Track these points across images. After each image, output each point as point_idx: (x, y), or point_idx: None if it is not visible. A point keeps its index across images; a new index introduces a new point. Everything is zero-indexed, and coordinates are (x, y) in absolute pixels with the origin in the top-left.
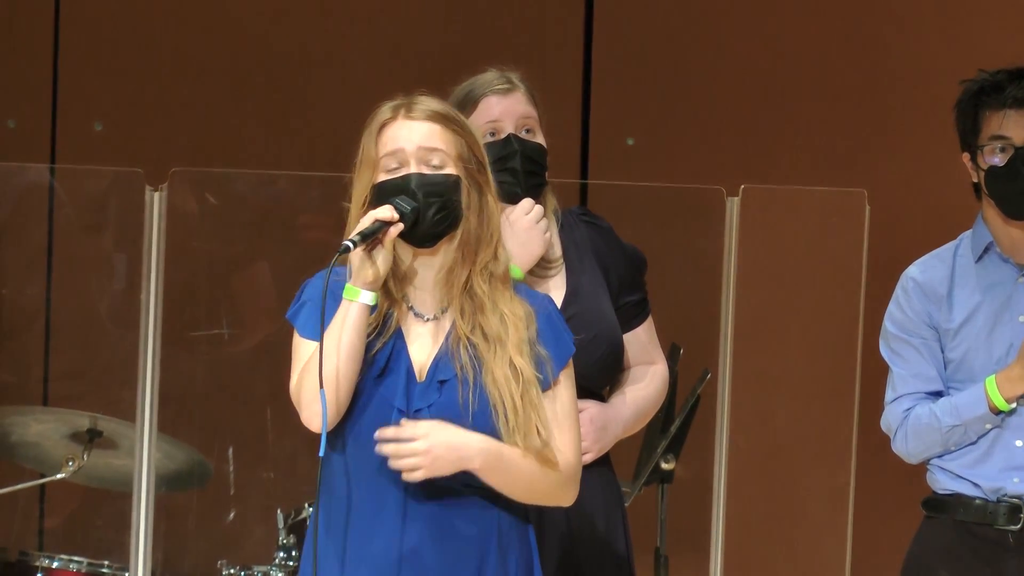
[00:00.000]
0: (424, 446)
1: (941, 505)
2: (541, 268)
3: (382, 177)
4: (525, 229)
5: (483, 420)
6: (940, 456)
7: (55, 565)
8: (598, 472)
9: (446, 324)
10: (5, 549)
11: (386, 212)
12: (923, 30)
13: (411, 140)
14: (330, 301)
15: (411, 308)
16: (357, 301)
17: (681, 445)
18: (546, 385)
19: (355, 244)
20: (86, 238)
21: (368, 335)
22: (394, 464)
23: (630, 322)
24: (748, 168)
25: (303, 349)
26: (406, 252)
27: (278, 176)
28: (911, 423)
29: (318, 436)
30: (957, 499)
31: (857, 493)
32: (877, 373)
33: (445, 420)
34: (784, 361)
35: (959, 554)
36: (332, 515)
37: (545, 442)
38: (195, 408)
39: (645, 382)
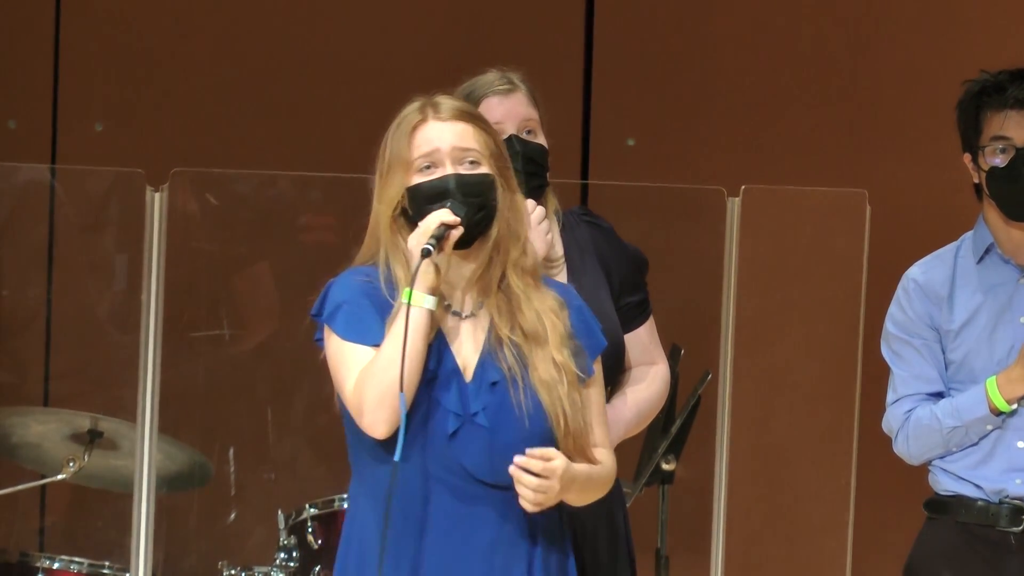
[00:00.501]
0: (558, 486)
1: (943, 507)
2: (543, 268)
3: (416, 178)
4: None
5: (538, 422)
6: (942, 457)
7: (56, 566)
8: None
9: (483, 321)
10: (6, 550)
11: (448, 216)
12: (923, 30)
13: (445, 140)
14: (366, 301)
15: (448, 306)
16: (423, 307)
17: (682, 446)
18: (582, 381)
19: (433, 248)
20: (87, 238)
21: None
22: (527, 495)
23: (631, 322)
24: (749, 168)
25: (349, 352)
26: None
27: (279, 177)
28: (912, 424)
29: (318, 437)
30: (959, 501)
31: (858, 494)
32: (878, 374)
33: (501, 422)
34: (785, 362)
35: (961, 556)
36: (383, 520)
37: (594, 442)
38: (196, 409)
39: (646, 383)
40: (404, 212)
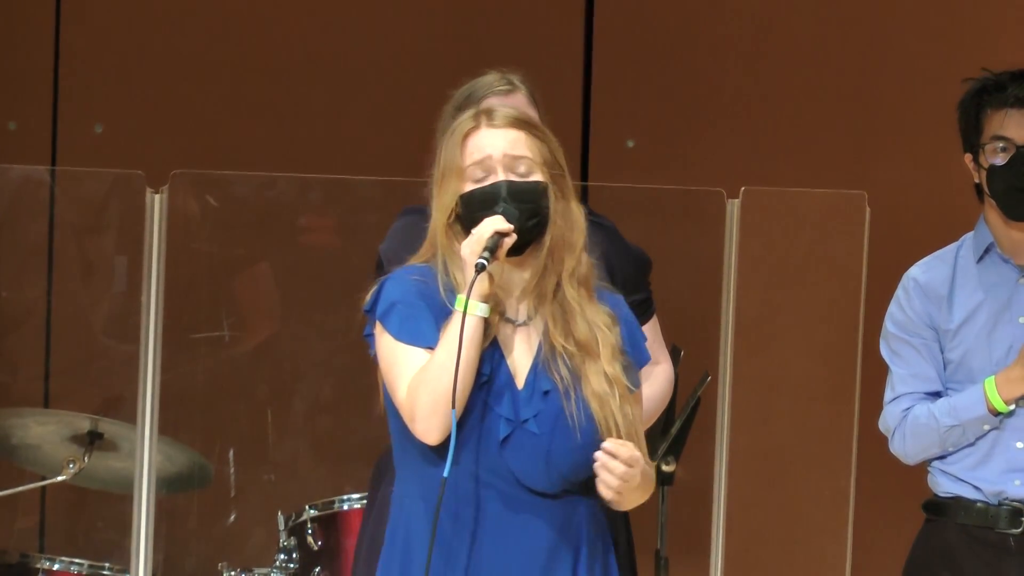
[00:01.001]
0: (638, 478)
1: (942, 508)
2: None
3: (469, 186)
4: None
5: (589, 434)
6: (941, 458)
7: (56, 567)
8: None
9: (535, 329)
10: (6, 551)
11: (501, 223)
12: (923, 31)
13: (497, 147)
14: (420, 302)
15: (502, 314)
16: (476, 315)
17: (682, 447)
18: (631, 392)
19: (488, 261)
20: (87, 240)
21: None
22: (610, 482)
23: None
24: (748, 170)
25: (402, 354)
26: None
27: (279, 178)
28: (909, 423)
29: (318, 438)
30: (958, 502)
31: (858, 495)
32: (878, 375)
33: (553, 431)
34: (784, 363)
35: (960, 558)
36: (432, 520)
37: (644, 453)
38: (196, 410)
39: (649, 382)
40: (459, 218)
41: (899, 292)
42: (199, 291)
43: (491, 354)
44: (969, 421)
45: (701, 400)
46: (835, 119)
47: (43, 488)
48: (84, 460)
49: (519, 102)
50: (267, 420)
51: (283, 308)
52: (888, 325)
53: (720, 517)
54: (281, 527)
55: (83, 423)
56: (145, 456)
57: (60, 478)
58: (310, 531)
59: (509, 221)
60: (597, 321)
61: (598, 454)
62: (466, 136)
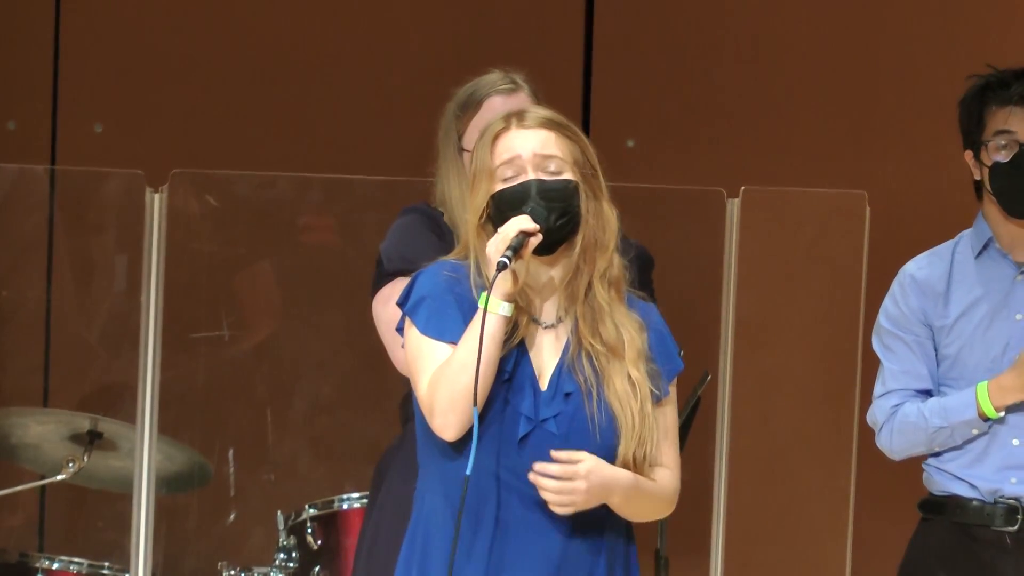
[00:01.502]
0: (584, 486)
1: (938, 507)
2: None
3: (499, 187)
4: None
5: (608, 435)
6: (937, 456)
7: (55, 566)
8: None
9: (564, 332)
10: (5, 550)
11: (527, 223)
12: (923, 30)
13: (527, 147)
14: (449, 297)
15: (532, 315)
16: (498, 314)
17: (682, 446)
18: (656, 400)
19: (510, 260)
20: (87, 239)
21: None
22: (549, 498)
23: None
24: (748, 170)
25: (428, 349)
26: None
27: (279, 178)
28: (898, 420)
29: (318, 438)
30: (954, 500)
31: (858, 495)
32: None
33: (572, 432)
34: (785, 363)
35: (956, 556)
36: (453, 519)
37: (660, 461)
38: (195, 410)
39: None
40: (491, 218)
41: (894, 287)
42: (199, 290)
43: (516, 353)
44: (958, 424)
45: (701, 399)
46: (835, 119)
47: (42, 487)
48: (84, 459)
49: (522, 101)
50: (267, 419)
51: (283, 308)
52: (881, 320)
53: (720, 517)
54: (281, 526)
55: (83, 422)
56: (145, 455)
57: (60, 477)
58: (310, 530)
59: (536, 220)
60: (625, 323)
61: (531, 476)
62: (496, 137)
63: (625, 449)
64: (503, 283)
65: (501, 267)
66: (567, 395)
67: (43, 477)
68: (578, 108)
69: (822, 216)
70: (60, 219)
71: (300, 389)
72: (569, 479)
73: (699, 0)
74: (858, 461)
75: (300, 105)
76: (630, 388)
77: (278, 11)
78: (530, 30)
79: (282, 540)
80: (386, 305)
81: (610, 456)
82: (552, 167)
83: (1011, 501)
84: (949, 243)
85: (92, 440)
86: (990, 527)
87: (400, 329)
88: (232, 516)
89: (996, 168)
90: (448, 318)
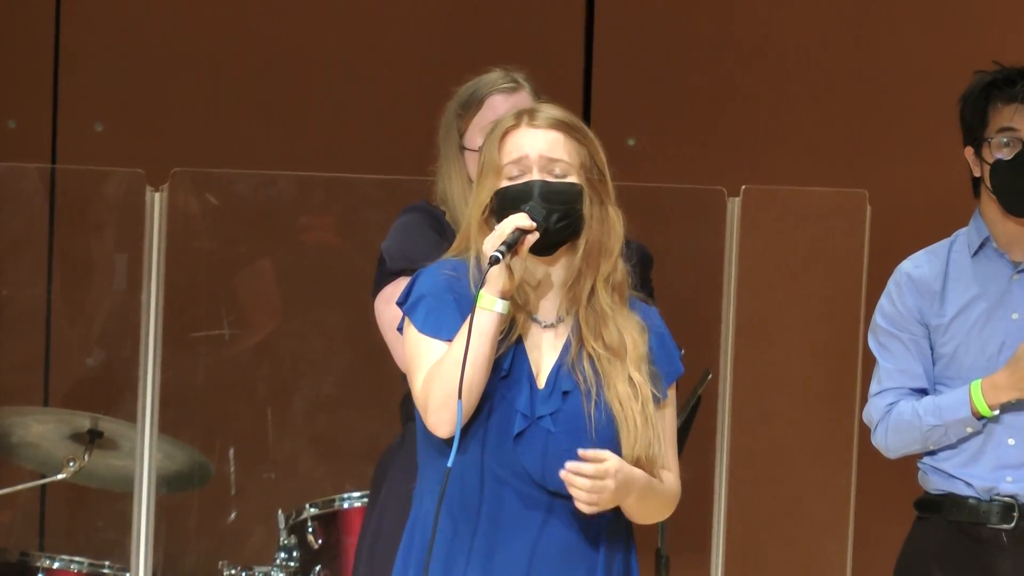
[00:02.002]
0: (613, 485)
1: (934, 505)
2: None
3: (504, 184)
4: None
5: (605, 435)
6: (932, 455)
7: (56, 566)
8: None
9: (563, 332)
10: (6, 550)
11: (524, 220)
12: (923, 30)
13: (534, 148)
14: (448, 296)
15: (530, 313)
16: (492, 311)
17: (682, 446)
18: (656, 403)
19: (503, 255)
20: (87, 239)
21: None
22: (580, 496)
23: None
24: (749, 168)
25: (424, 347)
26: (527, 258)
27: (279, 177)
28: (893, 419)
29: (318, 437)
30: (950, 499)
31: (858, 493)
32: None
33: (568, 429)
34: (785, 361)
35: (952, 554)
36: (449, 516)
37: (662, 463)
38: (196, 409)
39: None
40: (494, 214)
41: (890, 286)
42: (199, 289)
43: (514, 350)
44: (952, 422)
45: (701, 399)
46: (835, 118)
47: (43, 486)
48: (84, 458)
49: (523, 100)
50: (267, 418)
51: (283, 306)
52: (878, 318)
53: (720, 515)
54: (281, 525)
55: (83, 421)
56: (145, 454)
57: (60, 476)
58: (311, 529)
59: (534, 219)
60: (628, 327)
61: (563, 473)
62: (506, 134)
63: (630, 450)
64: (498, 279)
65: (494, 261)
66: (565, 393)
67: (43, 476)
68: (578, 107)
69: (823, 215)
70: (60, 218)
71: (301, 388)
72: (600, 478)
73: (699, 0)
74: (859, 460)
75: (300, 104)
76: (631, 390)
77: (278, 11)
78: (530, 29)
79: (283, 539)
80: (388, 304)
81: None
82: (558, 170)
83: (1007, 499)
84: (946, 241)
85: (92, 439)
86: (986, 525)
87: (401, 328)
88: (233, 515)
89: (998, 165)
90: (446, 316)
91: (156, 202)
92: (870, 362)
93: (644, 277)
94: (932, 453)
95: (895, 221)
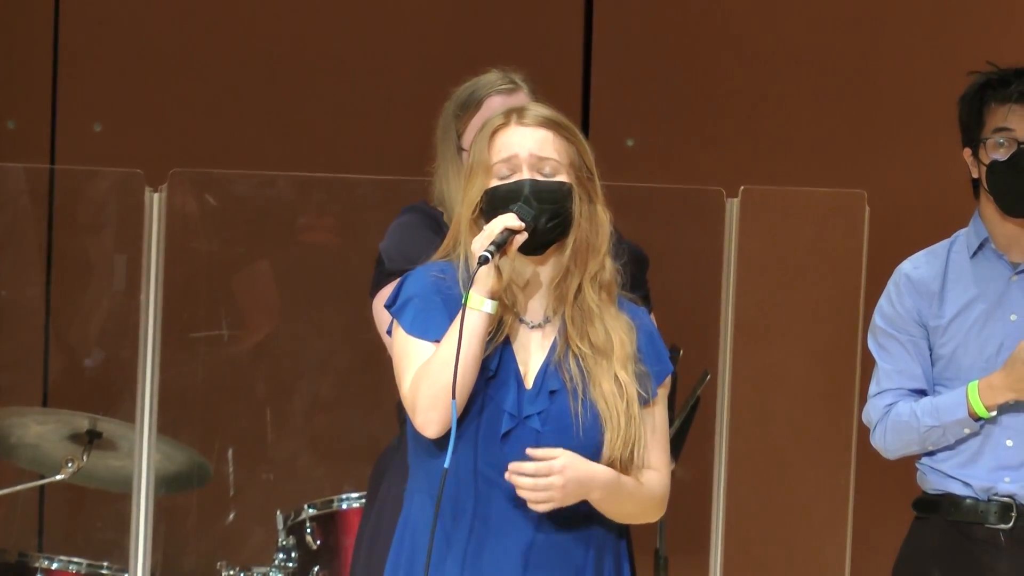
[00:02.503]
0: (560, 481)
1: (932, 505)
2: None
3: (494, 183)
4: None
5: (592, 434)
6: (931, 455)
7: (54, 566)
8: None
9: (551, 332)
10: (5, 550)
11: (512, 220)
12: (923, 31)
13: (524, 146)
14: (436, 298)
15: (518, 314)
16: (481, 311)
17: (681, 446)
18: (644, 402)
19: (492, 255)
20: (86, 239)
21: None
22: (526, 495)
23: None
24: (748, 169)
25: (412, 348)
26: (515, 258)
27: (278, 177)
28: (891, 419)
29: (317, 437)
30: (948, 499)
31: (857, 494)
32: None
33: (555, 429)
34: (784, 362)
35: (950, 554)
36: (440, 515)
37: (648, 463)
38: (195, 409)
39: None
40: (483, 213)
41: (890, 287)
42: (198, 290)
43: (501, 351)
44: (950, 423)
45: (700, 399)
46: (835, 119)
47: (42, 487)
48: (83, 459)
49: (521, 101)
50: (266, 419)
51: (282, 307)
52: (877, 319)
53: (720, 516)
54: (280, 526)
55: (82, 422)
56: (144, 455)
57: (59, 477)
58: (309, 530)
59: (523, 219)
60: (615, 326)
61: (507, 475)
62: (495, 132)
63: (610, 449)
64: (487, 280)
65: (483, 261)
66: (552, 393)
67: (42, 477)
68: (578, 108)
69: (821, 215)
70: (59, 218)
71: (299, 389)
72: (544, 475)
73: (699, 1)
74: (857, 460)
75: (300, 105)
76: (616, 389)
77: (278, 11)
78: (530, 30)
79: (281, 540)
80: None
81: (595, 455)
82: (547, 169)
83: (1005, 499)
84: (945, 242)
85: (91, 440)
86: (984, 525)
87: (391, 331)
88: (231, 516)
89: (994, 166)
90: (433, 317)
91: (155, 202)
92: (869, 363)
93: (639, 278)
94: (931, 454)
95: (894, 221)
